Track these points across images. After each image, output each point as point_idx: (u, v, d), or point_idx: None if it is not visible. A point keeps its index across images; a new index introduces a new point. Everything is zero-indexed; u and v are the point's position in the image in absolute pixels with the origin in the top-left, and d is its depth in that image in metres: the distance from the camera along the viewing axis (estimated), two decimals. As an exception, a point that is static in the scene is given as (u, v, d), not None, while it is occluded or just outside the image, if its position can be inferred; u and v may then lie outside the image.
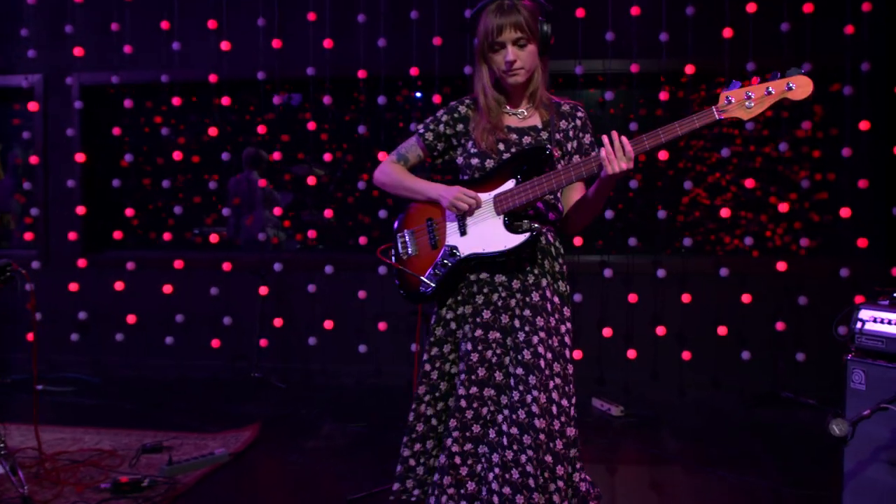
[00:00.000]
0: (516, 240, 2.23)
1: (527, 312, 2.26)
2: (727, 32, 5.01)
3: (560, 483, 2.21)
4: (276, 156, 5.56)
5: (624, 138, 2.08)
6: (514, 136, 2.34)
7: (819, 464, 3.81)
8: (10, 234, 6.15)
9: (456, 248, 2.32)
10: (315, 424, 4.54)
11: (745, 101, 2.03)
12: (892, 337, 2.86)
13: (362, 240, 5.35)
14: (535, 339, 2.23)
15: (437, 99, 5.26)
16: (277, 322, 5.51)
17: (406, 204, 2.49)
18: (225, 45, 5.47)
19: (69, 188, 5.73)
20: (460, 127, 2.41)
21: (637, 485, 3.68)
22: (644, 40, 5.16)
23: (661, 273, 5.09)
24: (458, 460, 2.26)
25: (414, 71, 5.27)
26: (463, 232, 2.32)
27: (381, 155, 5.24)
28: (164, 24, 5.53)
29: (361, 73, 5.33)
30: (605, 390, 5.20)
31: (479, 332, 2.29)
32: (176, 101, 5.54)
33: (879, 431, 2.77)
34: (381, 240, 5.39)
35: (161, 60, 5.60)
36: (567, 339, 2.31)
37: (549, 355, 2.25)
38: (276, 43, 5.42)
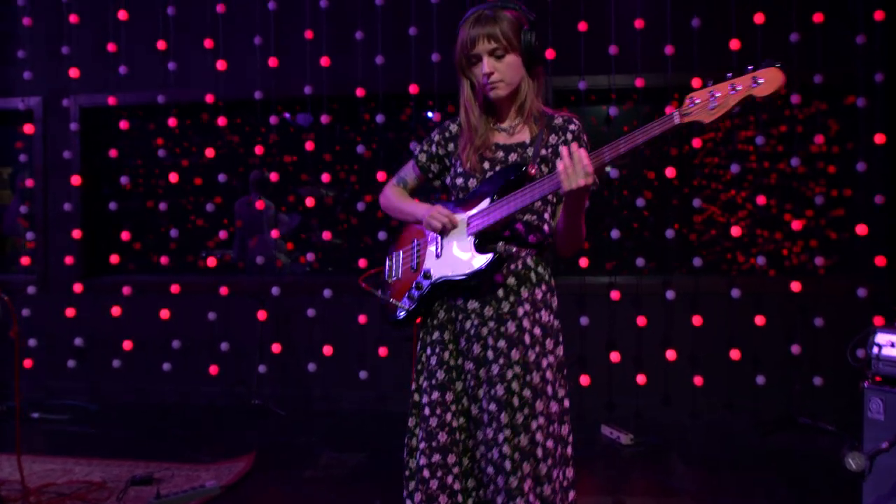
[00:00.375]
0: (480, 263, 2.09)
1: (501, 344, 2.10)
2: (735, 44, 4.86)
3: None
4: (274, 177, 5.46)
5: (582, 151, 1.90)
6: (500, 154, 2.20)
7: (839, 495, 3.61)
8: (17, 257, 6.08)
9: (429, 271, 2.20)
10: (313, 453, 4.39)
11: (710, 101, 1.84)
12: (912, 364, 2.69)
13: (362, 262, 5.21)
14: (510, 374, 2.08)
15: (437, 117, 5.15)
16: (276, 347, 5.38)
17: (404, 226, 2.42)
18: (221, 65, 5.38)
19: (66, 211, 5.64)
20: (451, 146, 2.31)
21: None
22: (649, 53, 5.02)
23: (670, 294, 4.92)
24: (426, 473, 2.12)
25: (413, 88, 5.16)
26: (438, 254, 2.20)
27: (381, 175, 5.10)
28: (161, 44, 5.46)
29: (360, 92, 5.22)
30: (614, 416, 5.02)
31: (452, 361, 2.18)
32: (172, 121, 5.45)
33: (901, 465, 2.58)
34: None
35: (158, 80, 5.52)
36: (549, 374, 2.14)
37: (528, 393, 2.08)
38: (272, 61, 5.33)
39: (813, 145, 4.95)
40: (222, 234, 5.45)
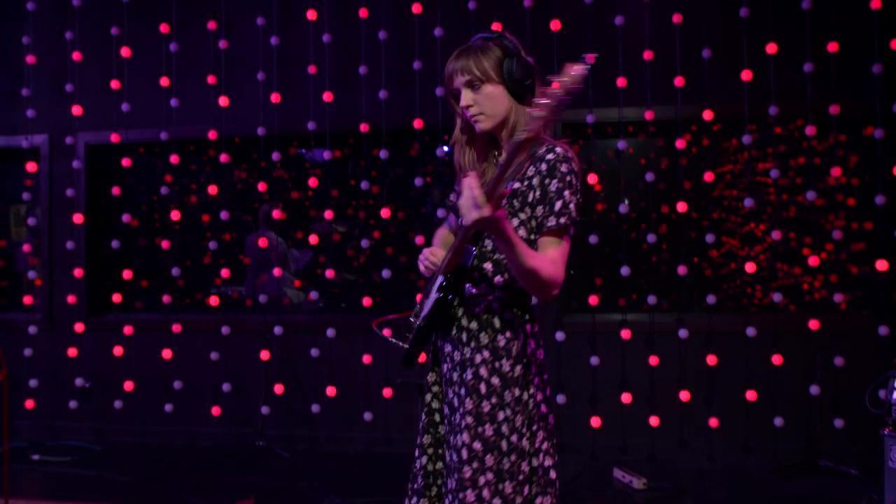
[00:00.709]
0: (428, 305, 2.04)
1: (462, 391, 2.03)
2: (746, 75, 4.72)
3: None
4: (276, 214, 5.38)
5: (473, 182, 1.73)
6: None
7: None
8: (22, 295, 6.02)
9: (419, 310, 2.16)
10: (315, 499, 4.26)
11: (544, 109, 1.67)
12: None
13: (366, 301, 5.09)
14: (464, 424, 1.98)
15: (440, 152, 5.05)
16: (279, 388, 5.27)
17: None
18: (224, 101, 5.31)
19: (69, 250, 5.58)
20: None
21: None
22: (658, 86, 4.89)
23: (683, 333, 4.75)
24: None
25: (418, 123, 5.06)
26: (429, 294, 2.13)
27: (385, 212, 4.98)
28: (164, 81, 5.40)
29: (364, 127, 5.13)
30: (627, 460, 4.85)
31: (436, 404, 2.18)
32: (174, 158, 5.39)
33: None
34: (387, 301, 5.22)
35: (161, 117, 5.47)
36: (505, 428, 1.97)
37: (478, 445, 1.96)
38: (275, 97, 5.25)
39: (830, 177, 4.79)
40: (224, 273, 5.35)
